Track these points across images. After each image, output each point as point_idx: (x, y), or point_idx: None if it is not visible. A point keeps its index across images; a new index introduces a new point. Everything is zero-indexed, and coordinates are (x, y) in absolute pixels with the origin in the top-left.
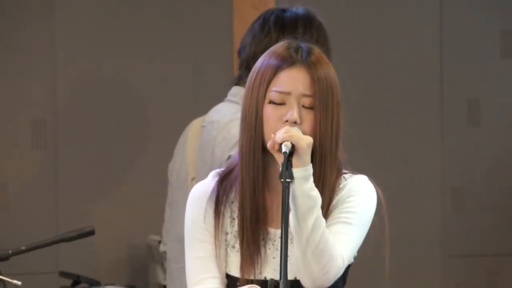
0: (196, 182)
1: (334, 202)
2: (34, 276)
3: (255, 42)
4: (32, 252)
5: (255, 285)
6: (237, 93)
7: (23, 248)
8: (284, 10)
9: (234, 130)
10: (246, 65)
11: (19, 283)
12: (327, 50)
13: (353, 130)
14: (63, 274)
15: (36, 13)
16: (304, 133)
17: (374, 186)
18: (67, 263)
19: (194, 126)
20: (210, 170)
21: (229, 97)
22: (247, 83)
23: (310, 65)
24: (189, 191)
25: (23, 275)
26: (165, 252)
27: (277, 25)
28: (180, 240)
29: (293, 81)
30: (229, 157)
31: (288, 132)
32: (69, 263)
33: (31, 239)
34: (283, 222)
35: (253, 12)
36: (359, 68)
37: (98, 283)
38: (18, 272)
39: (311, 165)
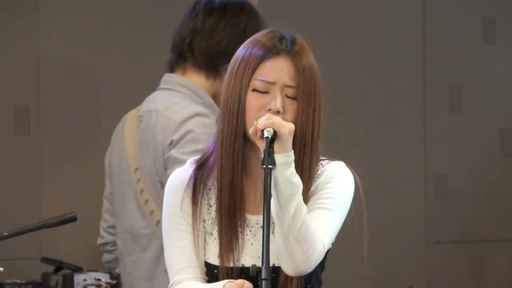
0: (141, 172)
1: (312, 188)
2: (16, 262)
3: (183, 25)
4: (15, 238)
5: (247, 281)
6: (169, 80)
7: (5, 234)
8: None
9: (173, 115)
10: (176, 48)
11: (1, 269)
12: None
13: (336, 118)
14: (46, 260)
15: (21, 1)
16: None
17: (352, 172)
18: (49, 249)
19: (130, 117)
20: (154, 158)
21: (162, 85)
22: (228, 72)
23: (295, 55)
24: (133, 182)
25: (5, 261)
26: (103, 244)
27: (206, 8)
28: (130, 232)
29: (278, 71)
30: (171, 142)
31: (270, 118)
32: (52, 249)
33: (14, 225)
34: (265, 208)
35: None
36: (340, 56)
37: (81, 269)
38: (0, 258)
39: (292, 151)
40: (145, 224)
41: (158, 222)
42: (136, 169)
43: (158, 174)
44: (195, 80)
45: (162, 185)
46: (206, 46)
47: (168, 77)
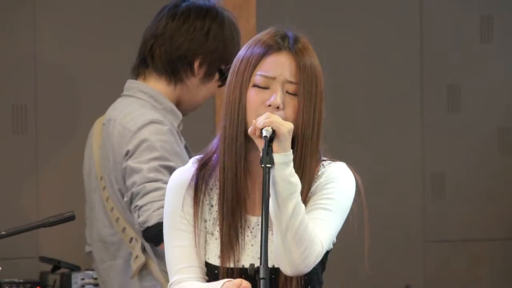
0: (104, 181)
1: (312, 188)
2: (14, 261)
3: (147, 30)
4: (13, 237)
5: (245, 281)
6: (130, 87)
7: (3, 233)
8: (184, 1)
9: (128, 124)
10: (140, 53)
11: None
12: (221, 43)
13: (333, 118)
14: (43, 259)
15: (18, 1)
16: (286, 119)
17: (353, 173)
18: (47, 248)
19: (96, 125)
20: (113, 167)
21: (124, 92)
22: (231, 70)
23: (297, 52)
24: (100, 190)
25: (3, 260)
26: (90, 252)
27: (170, 12)
28: (101, 240)
29: (278, 67)
30: (127, 152)
31: (269, 117)
32: (49, 248)
33: (12, 224)
34: (263, 207)
35: (236, 12)
36: (338, 55)
37: (78, 268)
38: None
39: (291, 150)
40: (113, 232)
41: (124, 229)
42: (102, 177)
43: (117, 182)
44: (156, 86)
45: (122, 194)
46: (166, 51)
47: (129, 84)
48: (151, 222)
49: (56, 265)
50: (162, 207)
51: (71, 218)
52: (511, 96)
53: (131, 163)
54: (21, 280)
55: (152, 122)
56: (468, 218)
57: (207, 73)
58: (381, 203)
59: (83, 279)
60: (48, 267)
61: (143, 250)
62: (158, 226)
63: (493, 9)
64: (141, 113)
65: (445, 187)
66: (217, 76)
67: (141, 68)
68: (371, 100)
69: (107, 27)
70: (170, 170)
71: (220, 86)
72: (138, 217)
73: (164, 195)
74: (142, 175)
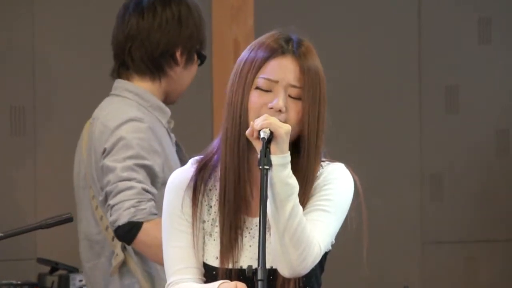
0: (88, 178)
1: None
2: (12, 263)
3: (119, 32)
4: (10, 239)
5: (240, 283)
6: (117, 86)
7: (1, 235)
8: None
9: (108, 122)
10: (117, 57)
11: None
12: (194, 26)
13: (331, 118)
14: (41, 261)
15: (16, 2)
16: (289, 122)
17: (351, 174)
18: (45, 250)
19: (86, 125)
20: (95, 165)
21: (112, 91)
22: (233, 72)
23: (300, 56)
24: (87, 188)
25: (1, 262)
26: None
27: (136, 11)
28: (87, 239)
29: (282, 70)
30: (104, 150)
31: (267, 119)
32: (47, 250)
33: (10, 226)
34: (261, 208)
35: (234, 13)
36: (337, 55)
37: (76, 270)
38: None
39: (289, 152)
40: (98, 230)
41: (107, 228)
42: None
43: (99, 181)
44: (141, 85)
45: (105, 193)
46: (146, 51)
47: (117, 83)
48: (121, 221)
49: (54, 267)
50: (133, 206)
51: (69, 219)
52: (509, 98)
53: (107, 161)
54: (19, 282)
55: (130, 120)
56: (466, 219)
57: (188, 58)
58: (379, 204)
59: (81, 280)
60: (46, 269)
61: (124, 248)
62: (128, 225)
63: (491, 10)
64: (122, 111)
65: (443, 188)
66: (195, 57)
67: (122, 70)
68: (370, 101)
69: (106, 28)
70: (146, 168)
71: (199, 65)
72: (110, 216)
73: (136, 194)
74: (116, 174)
